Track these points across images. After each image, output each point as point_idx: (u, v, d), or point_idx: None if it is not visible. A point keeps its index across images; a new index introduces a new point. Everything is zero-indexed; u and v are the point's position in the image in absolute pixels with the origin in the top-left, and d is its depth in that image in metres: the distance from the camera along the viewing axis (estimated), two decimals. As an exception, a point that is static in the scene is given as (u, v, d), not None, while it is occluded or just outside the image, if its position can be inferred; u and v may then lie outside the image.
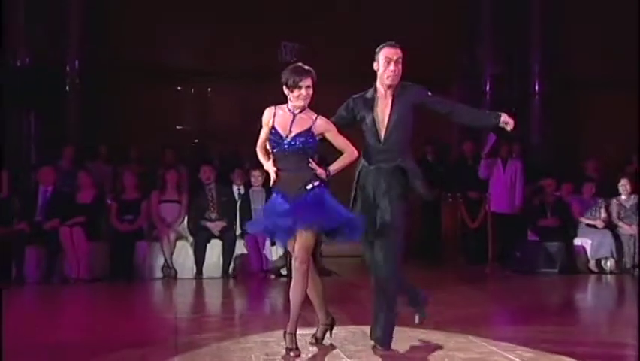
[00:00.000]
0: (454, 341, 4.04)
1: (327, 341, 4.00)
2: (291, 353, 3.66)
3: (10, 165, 7.66)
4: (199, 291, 6.82)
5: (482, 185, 8.20)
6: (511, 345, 3.90)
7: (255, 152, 3.95)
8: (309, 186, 3.71)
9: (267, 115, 3.81)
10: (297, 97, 3.72)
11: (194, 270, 7.24)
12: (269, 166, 3.81)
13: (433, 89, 4.06)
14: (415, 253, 8.72)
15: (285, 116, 3.77)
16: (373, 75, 3.94)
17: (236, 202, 7.61)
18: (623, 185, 7.95)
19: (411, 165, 3.88)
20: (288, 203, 3.72)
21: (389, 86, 3.86)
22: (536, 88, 9.44)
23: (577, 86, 9.61)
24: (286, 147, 3.72)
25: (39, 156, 8.35)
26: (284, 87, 3.77)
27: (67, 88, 8.62)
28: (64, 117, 8.63)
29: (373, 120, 3.85)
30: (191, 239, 7.40)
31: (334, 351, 3.86)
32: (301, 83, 3.70)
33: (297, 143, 3.71)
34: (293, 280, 3.75)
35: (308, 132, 3.73)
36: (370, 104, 3.89)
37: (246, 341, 4.08)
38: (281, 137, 3.73)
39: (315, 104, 3.85)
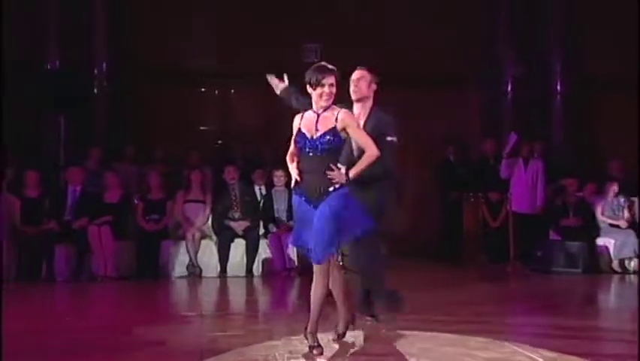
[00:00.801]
0: (475, 340, 4.01)
1: (349, 338, 4.01)
2: (314, 351, 3.67)
3: (40, 165, 7.80)
4: (223, 289, 6.87)
5: (504, 185, 8.14)
6: (532, 345, 3.86)
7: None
8: (332, 188, 3.69)
9: (296, 121, 3.83)
10: (320, 95, 3.69)
11: (219, 269, 7.30)
12: (292, 168, 3.82)
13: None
14: (436, 253, 8.71)
15: (310, 117, 3.76)
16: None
17: (259, 202, 7.65)
18: (648, 185, 7.84)
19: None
20: (310, 206, 3.69)
21: (356, 101, 4.37)
22: (558, 88, 9.33)
23: (599, 85, 9.47)
24: (311, 147, 3.70)
25: (68, 157, 8.47)
26: (307, 86, 3.75)
27: (95, 90, 8.74)
28: (92, 119, 8.75)
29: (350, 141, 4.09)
30: (215, 238, 7.46)
31: (356, 349, 3.86)
32: (324, 81, 3.67)
33: (323, 143, 3.68)
34: (314, 278, 3.75)
35: (333, 131, 3.69)
36: None
37: (270, 340, 4.09)
38: (306, 137, 3.72)
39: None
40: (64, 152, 8.60)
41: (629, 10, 9.10)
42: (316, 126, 3.71)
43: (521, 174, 8.13)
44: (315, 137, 3.70)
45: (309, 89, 3.74)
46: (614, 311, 5.88)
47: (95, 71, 8.74)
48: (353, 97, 4.35)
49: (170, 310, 5.86)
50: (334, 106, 3.77)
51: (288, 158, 3.89)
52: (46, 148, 8.61)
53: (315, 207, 3.69)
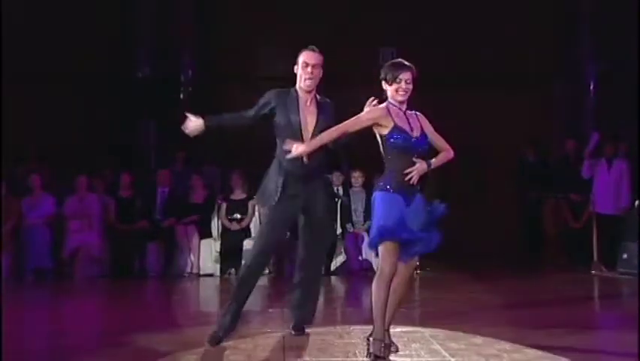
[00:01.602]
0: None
1: (428, 339, 3.96)
2: (392, 349, 3.60)
3: (133, 168, 8.18)
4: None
5: (586, 185, 7.80)
6: None
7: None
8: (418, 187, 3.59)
9: (381, 112, 3.56)
10: (396, 91, 3.55)
11: (298, 267, 7.37)
12: (314, 141, 3.65)
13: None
14: (515, 254, 8.45)
15: (400, 115, 3.60)
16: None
17: (336, 202, 7.68)
18: None
19: (327, 179, 3.96)
20: (406, 206, 3.52)
21: (307, 92, 3.86)
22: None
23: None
24: (417, 146, 3.55)
25: (158, 160, 8.82)
26: (383, 83, 3.62)
27: (181, 96, 9.09)
28: (179, 123, 9.07)
29: (299, 125, 3.82)
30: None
31: (435, 347, 3.80)
32: (400, 77, 3.54)
33: (424, 144, 3.57)
34: (402, 277, 3.61)
35: (424, 131, 3.60)
36: (295, 107, 3.84)
37: (350, 337, 4.09)
38: (410, 137, 3.54)
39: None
40: (154, 155, 8.97)
41: None
42: (411, 126, 3.57)
43: (604, 175, 7.76)
44: (417, 137, 3.56)
45: (385, 85, 3.62)
46: None
47: (182, 78, 9.08)
48: (308, 86, 3.85)
49: (253, 305, 5.97)
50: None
51: (328, 134, 3.60)
52: (138, 151, 9.00)
53: (408, 205, 3.54)
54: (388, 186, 3.53)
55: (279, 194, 3.86)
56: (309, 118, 3.85)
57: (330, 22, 9.28)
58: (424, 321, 4.46)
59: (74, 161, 8.19)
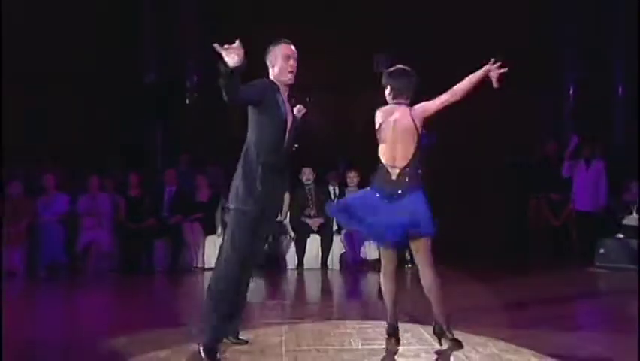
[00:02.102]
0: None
1: (419, 330, 4.06)
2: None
3: (141, 168, 8.25)
4: (300, 280, 7.04)
5: (566, 185, 7.94)
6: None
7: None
8: None
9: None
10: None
11: (296, 262, 7.48)
12: None
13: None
14: (501, 251, 8.54)
15: None
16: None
17: (333, 201, 7.78)
18: None
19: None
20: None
21: (288, 85, 3.54)
22: (619, 89, 8.96)
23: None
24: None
25: (164, 160, 8.89)
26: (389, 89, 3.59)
27: (187, 101, 9.16)
28: (185, 126, 9.16)
29: (286, 120, 3.49)
30: (293, 234, 7.64)
31: (425, 337, 3.91)
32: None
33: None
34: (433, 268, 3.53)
35: None
36: (282, 101, 3.48)
37: (345, 327, 4.18)
38: (429, 136, 3.75)
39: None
40: (161, 156, 9.04)
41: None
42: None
43: (583, 174, 7.91)
44: None
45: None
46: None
47: (188, 84, 9.16)
48: (291, 80, 3.51)
49: (253, 298, 6.06)
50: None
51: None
52: (146, 153, 9.07)
53: None
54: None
55: (259, 192, 3.43)
56: (290, 114, 3.57)
57: (331, 22, 9.28)
58: (415, 315, 4.54)
59: (85, 161, 8.25)
